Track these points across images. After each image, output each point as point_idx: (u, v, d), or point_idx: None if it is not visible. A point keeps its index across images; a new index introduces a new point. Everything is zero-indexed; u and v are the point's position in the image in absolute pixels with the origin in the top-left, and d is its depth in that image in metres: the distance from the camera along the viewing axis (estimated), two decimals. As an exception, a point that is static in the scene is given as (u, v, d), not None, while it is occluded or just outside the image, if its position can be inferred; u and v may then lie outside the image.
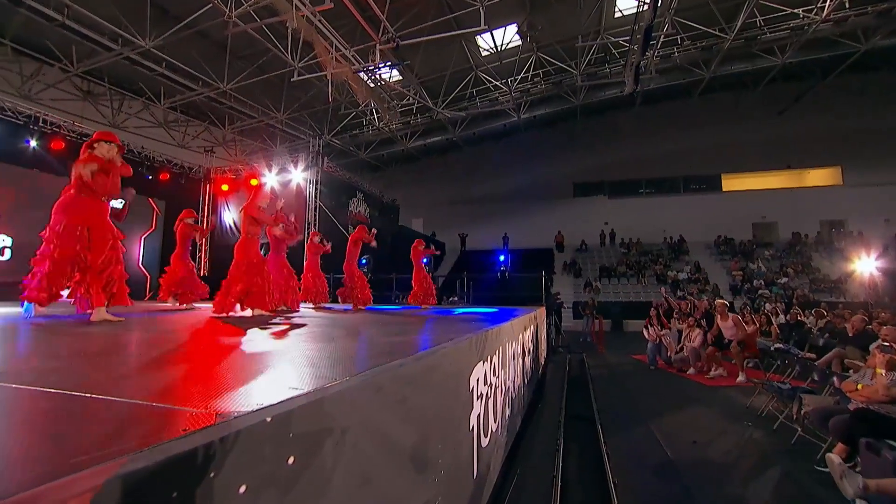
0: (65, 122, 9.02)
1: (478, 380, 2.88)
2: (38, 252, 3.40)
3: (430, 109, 16.47)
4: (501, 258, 11.25)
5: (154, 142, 13.67)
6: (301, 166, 11.47)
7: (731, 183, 21.39)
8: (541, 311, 8.35)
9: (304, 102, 15.42)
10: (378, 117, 16.96)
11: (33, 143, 8.13)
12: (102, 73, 12.28)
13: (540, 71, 15.62)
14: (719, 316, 7.01)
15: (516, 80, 15.73)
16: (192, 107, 14.84)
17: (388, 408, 1.44)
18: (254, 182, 11.84)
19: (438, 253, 8.39)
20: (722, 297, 14.41)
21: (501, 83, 15.94)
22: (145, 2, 10.36)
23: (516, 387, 4.75)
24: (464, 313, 6.70)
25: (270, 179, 11.61)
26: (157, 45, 10.81)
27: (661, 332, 8.40)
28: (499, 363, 3.69)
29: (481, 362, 3.01)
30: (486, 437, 3.07)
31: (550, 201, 22.63)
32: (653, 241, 20.86)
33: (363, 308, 6.63)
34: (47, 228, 3.40)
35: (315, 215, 11.51)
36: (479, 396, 2.91)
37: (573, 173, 22.89)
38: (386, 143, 19.40)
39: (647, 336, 8.59)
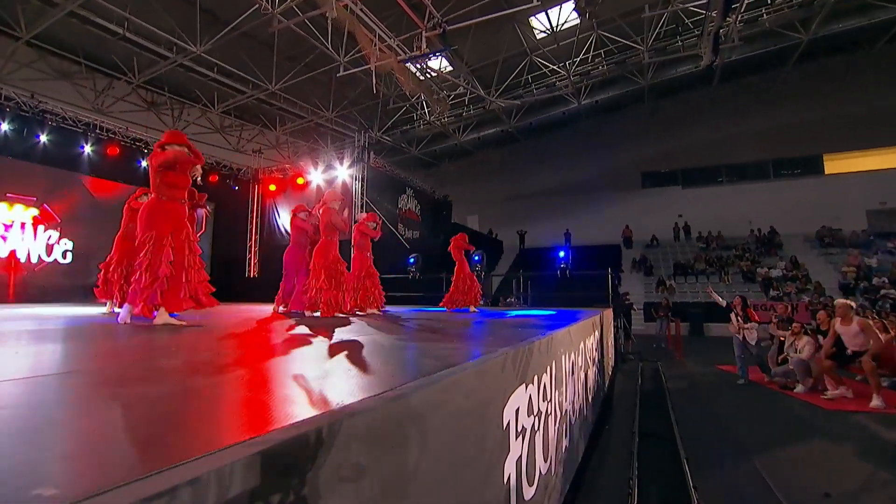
0: (120, 127, 9.33)
1: (517, 410, 2.14)
2: (135, 263, 3.45)
3: (482, 100, 15.74)
4: (561, 254, 10.27)
5: (212, 147, 14.11)
6: (347, 163, 11.19)
7: (835, 164, 18.62)
8: (607, 314, 7.37)
9: (352, 99, 15.29)
10: (429, 111, 16.51)
11: (88, 149, 8.43)
12: (162, 82, 12.80)
13: (601, 51, 14.37)
14: (839, 320, 5.65)
15: (575, 62, 14.59)
16: (245, 111, 15.20)
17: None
18: (300, 181, 11.78)
19: (472, 248, 7.65)
20: (829, 297, 12.40)
21: (559, 67, 14.87)
22: (196, 10, 10.57)
23: (577, 409, 3.94)
24: (516, 317, 5.95)
25: (316, 177, 11.46)
26: (208, 49, 11.02)
27: (746, 326, 7.02)
28: (551, 383, 2.92)
29: (523, 386, 2.27)
30: (531, 485, 2.32)
31: (616, 193, 21.04)
32: (737, 233, 18.67)
33: (378, 311, 5.99)
34: (137, 239, 3.45)
35: (363, 213, 11.19)
36: (520, 433, 2.17)
37: (641, 162, 21.12)
38: (438, 138, 18.93)
39: (731, 331, 7.27)
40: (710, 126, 19.55)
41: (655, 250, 19.60)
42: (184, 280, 3.56)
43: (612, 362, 7.70)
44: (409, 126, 17.49)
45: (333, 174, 11.37)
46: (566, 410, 3.45)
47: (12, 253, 7.40)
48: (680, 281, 17.03)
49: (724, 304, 7.83)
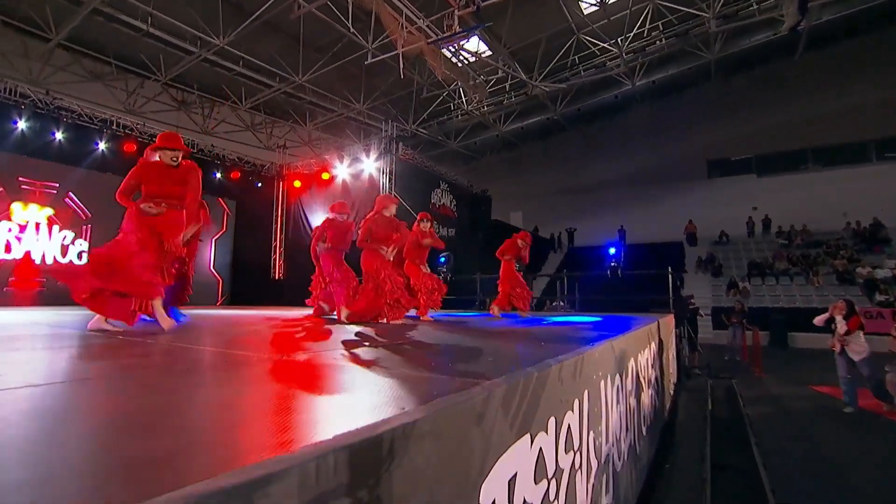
0: (137, 123, 9.33)
1: (512, 481, 1.44)
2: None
3: (524, 85, 14.86)
4: (612, 250, 9.25)
5: (243, 146, 14.17)
6: (373, 155, 10.70)
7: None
8: (667, 321, 6.36)
9: (384, 90, 14.88)
10: (466, 100, 15.82)
11: (102, 146, 8.44)
12: (191, 80, 12.94)
13: (659, 23, 13.09)
14: None
15: (628, 38, 13.40)
16: (275, 107, 15.19)
17: None
18: (325, 176, 11.44)
19: (528, 238, 6.89)
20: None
21: (609, 44, 13.71)
22: (218, 1, 10.49)
23: (624, 449, 3.11)
24: (553, 324, 5.14)
25: (342, 172, 11.06)
26: (232, 42, 10.96)
27: (848, 337, 5.71)
28: (580, 424, 2.15)
29: (524, 439, 1.55)
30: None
31: (678, 185, 19.37)
32: (828, 227, 16.56)
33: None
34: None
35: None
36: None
37: (707, 149, 19.34)
38: (478, 129, 18.21)
39: (830, 345, 6.00)
40: (792, 104, 17.51)
41: (725, 248, 17.83)
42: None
43: (673, 379, 6.66)
44: (445, 117, 16.89)
45: (360, 168, 10.91)
46: (607, 455, 2.63)
47: (27, 254, 7.46)
48: (756, 282, 15.29)
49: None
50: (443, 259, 9.60)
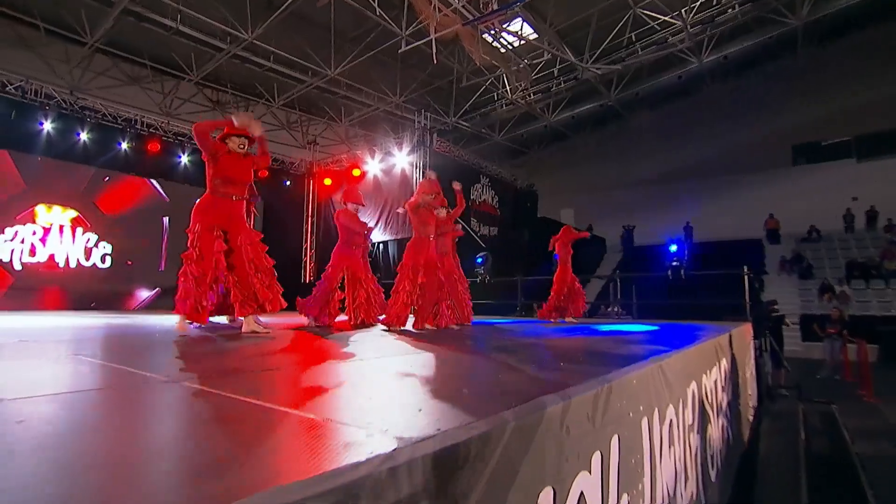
0: (162, 122, 9.45)
1: None
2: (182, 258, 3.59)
3: (574, 69, 13.99)
4: (673, 248, 8.30)
5: (280, 145, 14.29)
6: (406, 148, 10.30)
7: None
8: (742, 331, 5.46)
9: (421, 81, 14.51)
10: (510, 88, 15.14)
11: (125, 146, 8.56)
12: (224, 79, 13.16)
13: (732, -13, 11.84)
14: None
15: (693, 8, 12.22)
16: (311, 104, 15.22)
17: None
18: (356, 172, 11.19)
19: (586, 235, 6.37)
20: None
21: (672, 17, 12.57)
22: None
23: (683, 495, 2.43)
24: (596, 334, 4.45)
25: (374, 167, 10.74)
26: (261, 35, 10.98)
27: None
28: (603, 486, 1.53)
29: None
30: None
31: (756, 175, 17.63)
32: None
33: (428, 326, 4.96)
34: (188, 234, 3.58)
35: (424, 206, 10.21)
36: None
37: (792, 132, 17.46)
38: (525, 120, 17.46)
39: None
40: (902, 73, 15.40)
41: (816, 245, 15.97)
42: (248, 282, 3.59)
43: (752, 402, 5.71)
44: (489, 107, 16.26)
45: (392, 162, 10.55)
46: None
47: (51, 257, 7.65)
48: (858, 285, 13.49)
49: None
50: (480, 259, 9.02)
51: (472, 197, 11.92)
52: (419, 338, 3.80)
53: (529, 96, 15.33)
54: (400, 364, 2.25)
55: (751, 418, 5.13)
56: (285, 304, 3.72)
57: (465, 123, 16.66)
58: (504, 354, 2.76)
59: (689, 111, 18.16)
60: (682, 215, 17.73)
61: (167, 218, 9.47)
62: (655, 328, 5.14)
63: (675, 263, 7.84)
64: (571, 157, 20.32)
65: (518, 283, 8.91)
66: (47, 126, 7.71)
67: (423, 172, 10.38)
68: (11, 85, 7.67)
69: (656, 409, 2.11)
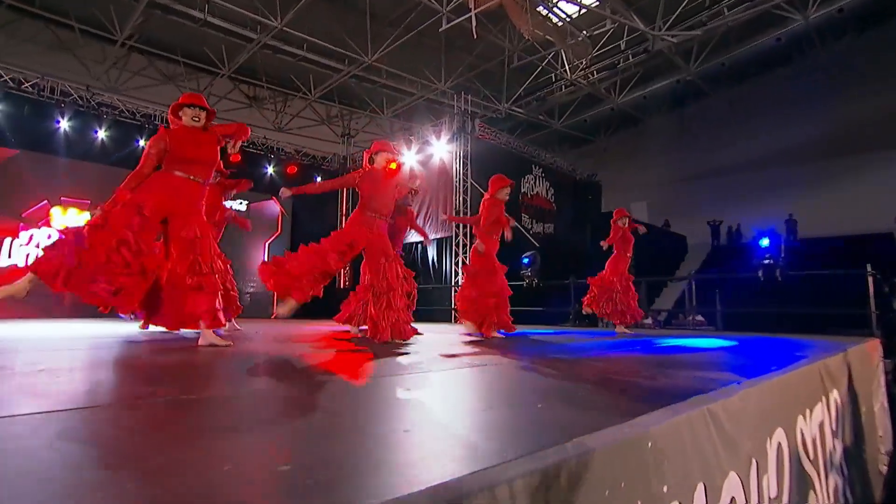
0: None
1: None
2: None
3: (644, 39, 12.75)
4: (764, 242, 7.06)
5: (309, 139, 14.23)
6: (445, 137, 9.69)
7: None
8: (866, 350, 4.32)
9: (468, 64, 13.86)
10: (570, 68, 14.12)
11: (143, 144, 8.61)
12: (259, 73, 13.24)
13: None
14: None
15: (795, -49, 10.68)
16: (352, 96, 15.04)
17: None
18: (392, 166, 10.71)
19: (645, 231, 5.53)
20: None
21: (767, -35, 11.09)
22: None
23: None
24: (650, 350, 3.60)
25: (409, 158, 10.23)
26: (292, 21, 10.85)
27: None
28: None
29: None
30: None
31: (881, 156, 15.28)
32: None
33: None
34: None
35: (465, 200, 9.53)
36: None
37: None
38: (588, 102, 16.33)
39: None
40: None
41: (964, 241, 13.51)
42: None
43: (885, 446, 4.49)
44: (545, 90, 15.30)
45: (429, 152, 9.98)
46: None
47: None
48: None
49: None
50: (526, 259, 8.20)
51: (522, 190, 11.08)
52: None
53: (592, 75, 14.23)
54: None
55: (883, 469, 4.00)
56: (223, 323, 3.32)
57: (519, 110, 15.81)
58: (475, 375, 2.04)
59: (790, 81, 16.08)
60: (780, 207, 15.74)
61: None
62: (734, 343, 4.16)
63: (767, 261, 6.58)
64: (643, 143, 18.75)
65: (571, 287, 8.00)
66: (63, 125, 7.91)
67: (463, 162, 9.72)
68: (28, 83, 7.92)
69: (700, 486, 1.30)
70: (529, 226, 10.96)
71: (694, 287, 8.19)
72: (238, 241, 9.48)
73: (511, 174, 11.07)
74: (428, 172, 10.06)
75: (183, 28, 10.93)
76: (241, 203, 9.97)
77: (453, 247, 9.75)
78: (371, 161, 4.44)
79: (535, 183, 11.34)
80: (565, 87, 14.96)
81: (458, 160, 9.68)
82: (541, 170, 11.51)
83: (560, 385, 2.07)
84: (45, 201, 7.74)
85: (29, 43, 10.17)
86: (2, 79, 7.50)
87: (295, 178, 10.97)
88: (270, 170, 10.72)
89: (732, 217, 17.12)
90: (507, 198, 5.34)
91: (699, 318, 10.40)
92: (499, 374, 2.41)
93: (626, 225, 6.21)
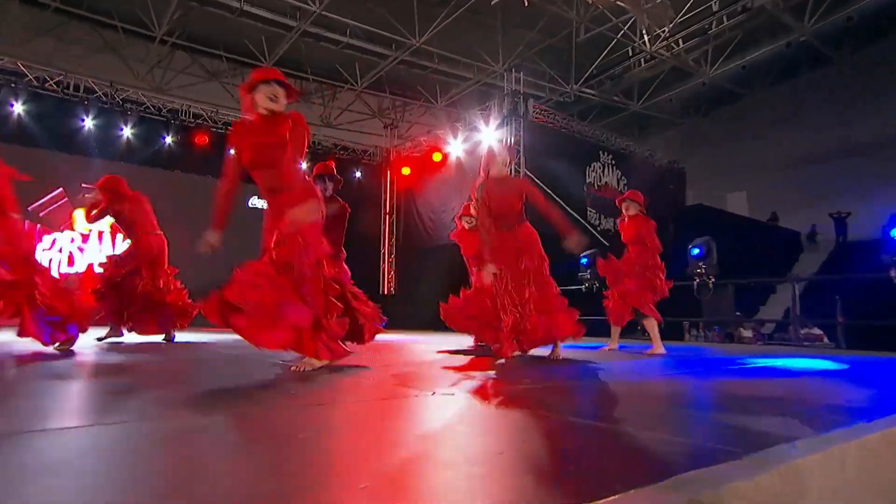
0: (210, 111, 9.47)
1: None
2: None
3: (742, -4, 11.25)
4: (897, 234, 5.65)
5: (373, 136, 14.07)
6: (494, 122, 8.96)
7: None
8: None
9: (530, 41, 12.99)
10: (648, 39, 12.81)
11: (169, 140, 8.65)
12: (302, 64, 13.26)
13: None
14: None
15: None
16: (403, 85, 14.69)
17: None
18: (436, 157, 10.15)
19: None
20: None
21: None
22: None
23: None
24: (712, 373, 2.87)
25: (456, 149, 9.60)
26: (331, 5, 10.71)
27: None
28: None
29: None
30: None
31: None
32: None
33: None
34: None
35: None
36: None
37: None
38: (673, 78, 14.86)
39: None
40: None
41: None
42: None
43: None
44: (622, 66, 14.02)
45: (476, 139, 9.30)
46: None
47: (90, 267, 7.91)
48: None
49: None
50: (585, 259, 7.28)
51: (588, 180, 10.08)
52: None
53: (676, 45, 12.84)
54: None
55: None
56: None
57: (590, 91, 14.63)
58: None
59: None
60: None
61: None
62: (843, 367, 3.17)
63: (898, 260, 5.24)
64: (742, 122, 16.70)
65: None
66: (88, 123, 8.12)
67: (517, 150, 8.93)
68: (52, 80, 8.21)
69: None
70: (597, 221, 9.94)
71: (797, 292, 6.78)
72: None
73: (573, 162, 10.18)
74: (473, 163, 9.39)
75: (222, 21, 11.11)
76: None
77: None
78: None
79: (602, 172, 10.29)
80: (645, 62, 13.65)
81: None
82: (610, 156, 10.43)
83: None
84: (61, 189, 7.86)
85: (77, 45, 10.74)
86: (26, 78, 7.84)
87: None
88: (303, 165, 10.56)
89: (862, 207, 14.79)
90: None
91: (815, 331, 8.86)
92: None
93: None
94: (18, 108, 7.64)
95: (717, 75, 14.23)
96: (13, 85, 7.64)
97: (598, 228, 9.84)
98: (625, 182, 10.69)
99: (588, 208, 9.81)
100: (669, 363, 4.16)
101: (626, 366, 4.08)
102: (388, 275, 11.12)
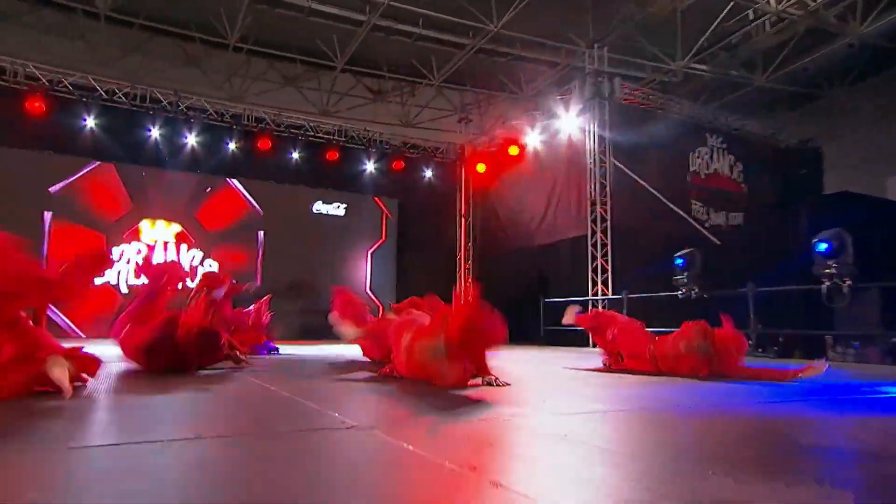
0: (272, 114, 9.62)
1: None
2: None
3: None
4: None
5: (443, 132, 13.79)
6: (574, 108, 8.23)
7: None
8: None
9: (625, 14, 11.91)
10: (774, -2, 11.21)
11: (233, 146, 8.88)
12: (378, 62, 13.30)
13: None
14: None
15: None
16: (484, 78, 14.21)
17: None
18: (513, 151, 9.54)
19: None
20: None
21: None
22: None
23: None
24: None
25: (533, 141, 8.95)
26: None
27: None
28: None
29: None
30: None
31: None
32: None
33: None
34: None
35: (603, 186, 7.91)
36: None
37: None
38: (807, 43, 12.89)
39: None
40: None
41: None
42: None
43: None
44: (739, 33, 12.43)
45: (555, 128, 8.60)
46: None
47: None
48: None
49: None
50: (681, 261, 6.33)
51: (692, 168, 8.93)
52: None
53: (812, 0, 11.10)
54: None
55: None
56: None
57: (701, 67, 13.13)
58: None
59: None
60: None
61: (262, 232, 9.74)
62: None
63: None
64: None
65: (749, 298, 5.86)
66: (154, 133, 8.58)
67: (600, 137, 8.11)
68: (120, 91, 8.75)
69: None
70: (704, 216, 8.75)
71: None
72: (337, 249, 9.36)
73: (673, 148, 9.07)
74: (555, 154, 8.65)
75: (293, 23, 11.39)
76: (338, 206, 9.88)
77: (588, 247, 8.16)
78: None
79: (711, 158, 9.06)
80: (770, 26, 11.97)
81: (590, 136, 8.07)
82: (720, 139, 9.17)
83: None
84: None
85: (161, 60, 11.56)
86: (97, 92, 8.45)
87: (402, 173, 10.44)
88: (370, 166, 10.45)
89: None
90: None
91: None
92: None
93: None
94: (91, 121, 8.37)
95: (869, 33, 12.11)
96: (84, 100, 8.34)
97: (706, 224, 8.60)
98: (740, 169, 9.32)
99: (692, 201, 8.63)
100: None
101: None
102: (465, 281, 10.70)
